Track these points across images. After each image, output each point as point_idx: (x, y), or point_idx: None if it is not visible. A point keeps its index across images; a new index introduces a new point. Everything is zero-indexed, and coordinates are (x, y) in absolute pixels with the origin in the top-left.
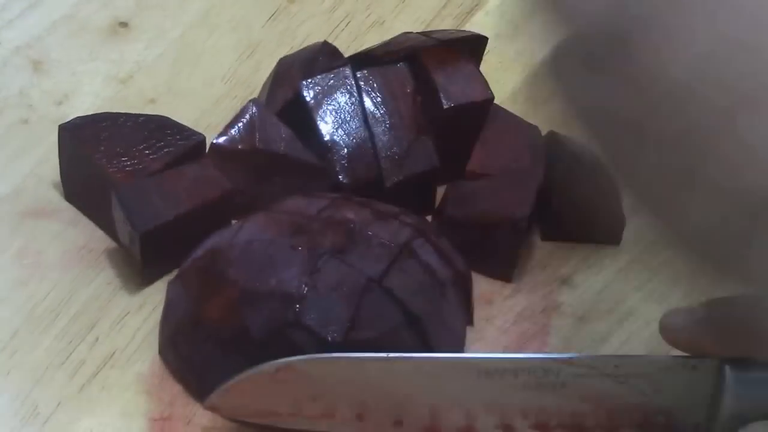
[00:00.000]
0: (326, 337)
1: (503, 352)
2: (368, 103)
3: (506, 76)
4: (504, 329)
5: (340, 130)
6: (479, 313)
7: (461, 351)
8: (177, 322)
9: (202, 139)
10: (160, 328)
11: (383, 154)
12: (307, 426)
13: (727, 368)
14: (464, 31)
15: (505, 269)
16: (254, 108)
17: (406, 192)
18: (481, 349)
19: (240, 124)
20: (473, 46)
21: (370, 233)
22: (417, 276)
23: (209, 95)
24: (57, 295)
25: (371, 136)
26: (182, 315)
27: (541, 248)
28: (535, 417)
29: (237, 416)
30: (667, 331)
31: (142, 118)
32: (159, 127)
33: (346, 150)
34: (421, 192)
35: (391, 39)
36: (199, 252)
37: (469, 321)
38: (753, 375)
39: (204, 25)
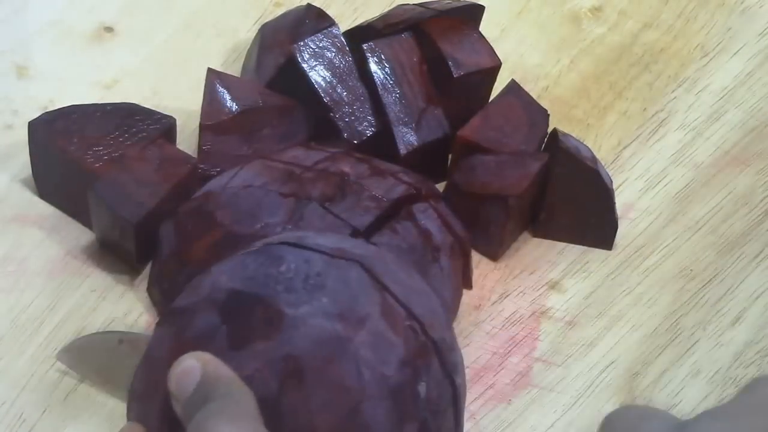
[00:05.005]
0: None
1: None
2: (377, 73)
3: None
4: (492, 334)
5: (338, 88)
6: (467, 318)
7: (450, 318)
8: (164, 259)
9: (173, 122)
10: (151, 265)
11: (396, 123)
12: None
13: None
14: (460, 0)
15: (493, 245)
16: (216, 77)
17: (419, 160)
18: (470, 353)
19: (214, 98)
20: (471, 14)
21: (362, 186)
22: (409, 238)
23: (195, 99)
24: (41, 302)
25: (383, 105)
26: (169, 253)
27: (530, 252)
28: None
29: (84, 375)
30: None
31: (110, 107)
32: (129, 114)
33: (347, 108)
34: (435, 159)
35: (389, 12)
36: (197, 194)
37: (467, 284)
38: None
39: (189, 29)
